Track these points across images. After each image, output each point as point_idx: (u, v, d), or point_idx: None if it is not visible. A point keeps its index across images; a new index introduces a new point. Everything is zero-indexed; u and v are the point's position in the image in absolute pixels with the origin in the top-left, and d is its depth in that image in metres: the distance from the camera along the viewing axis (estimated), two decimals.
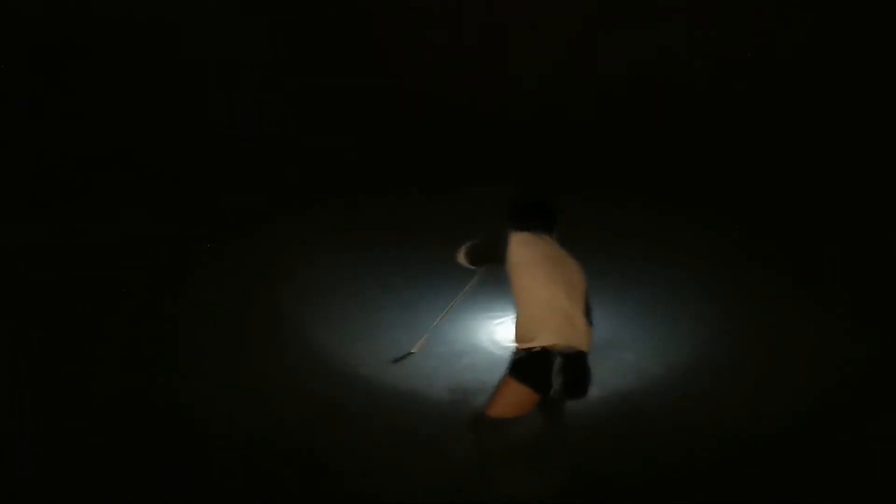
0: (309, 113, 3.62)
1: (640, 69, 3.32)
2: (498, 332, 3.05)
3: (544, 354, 2.25)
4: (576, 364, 2.29)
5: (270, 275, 3.09)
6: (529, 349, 2.28)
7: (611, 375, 2.51)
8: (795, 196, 3.49)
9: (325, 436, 2.22)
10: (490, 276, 2.62)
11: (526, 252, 2.34)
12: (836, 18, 3.06)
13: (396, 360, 2.61)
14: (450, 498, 1.94)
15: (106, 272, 2.88)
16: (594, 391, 2.35)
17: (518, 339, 2.32)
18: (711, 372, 2.69)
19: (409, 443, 2.23)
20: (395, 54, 3.50)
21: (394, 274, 3.29)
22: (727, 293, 3.16)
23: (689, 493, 1.96)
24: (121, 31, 3.44)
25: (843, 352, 2.67)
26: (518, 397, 2.30)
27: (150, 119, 3.50)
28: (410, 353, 2.64)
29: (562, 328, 2.26)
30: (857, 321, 2.86)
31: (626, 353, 2.70)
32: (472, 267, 2.59)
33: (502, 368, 2.56)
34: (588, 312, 2.38)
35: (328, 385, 2.55)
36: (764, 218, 3.48)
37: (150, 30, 3.47)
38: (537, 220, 2.53)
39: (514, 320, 2.36)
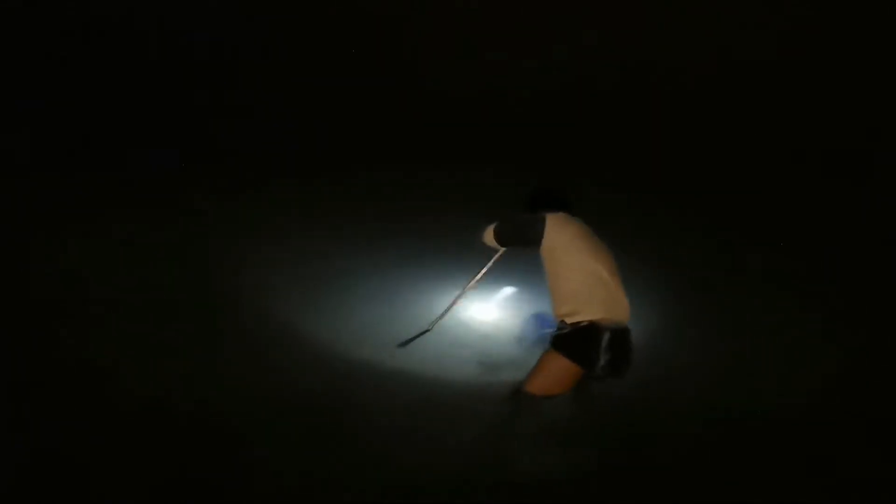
0: (304, 107, 3.64)
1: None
2: (472, 308, 3.09)
3: (592, 329, 2.27)
4: (622, 340, 2.32)
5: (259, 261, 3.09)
6: (576, 324, 2.30)
7: None
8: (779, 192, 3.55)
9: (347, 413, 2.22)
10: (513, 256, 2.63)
11: (566, 231, 2.36)
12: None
13: (404, 344, 2.56)
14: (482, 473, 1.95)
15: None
16: None
17: (563, 314, 2.33)
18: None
19: (432, 420, 2.23)
20: (395, 54, 3.54)
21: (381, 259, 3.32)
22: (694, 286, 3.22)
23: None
24: (118, 29, 3.43)
25: (819, 348, 2.73)
26: (562, 373, 2.31)
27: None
28: (425, 332, 2.60)
29: (608, 302, 2.30)
30: (837, 317, 2.92)
31: None
32: (500, 247, 2.58)
33: (487, 343, 2.57)
34: None
35: (338, 370, 2.55)
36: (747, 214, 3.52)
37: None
38: (557, 205, 2.56)
39: (555, 297, 2.38)
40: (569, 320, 2.32)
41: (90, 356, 2.32)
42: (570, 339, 2.30)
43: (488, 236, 2.57)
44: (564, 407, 2.34)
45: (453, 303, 2.68)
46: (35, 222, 2.93)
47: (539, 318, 3.04)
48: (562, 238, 2.34)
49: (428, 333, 2.64)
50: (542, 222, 2.36)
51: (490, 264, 2.69)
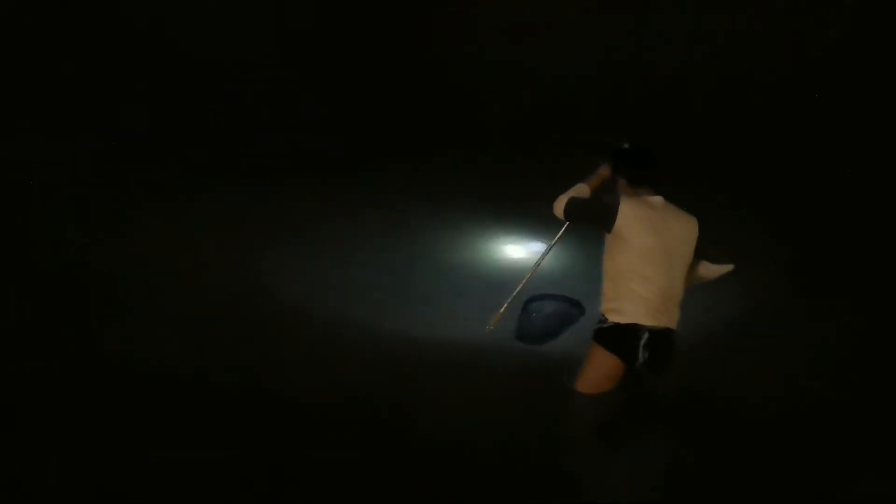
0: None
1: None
2: None
3: (631, 328, 2.24)
4: (663, 340, 2.27)
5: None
6: (618, 322, 2.25)
7: None
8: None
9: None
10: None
11: (635, 226, 2.26)
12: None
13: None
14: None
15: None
16: None
17: (609, 309, 2.27)
18: None
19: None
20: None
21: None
22: None
23: None
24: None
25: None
26: (607, 367, 2.28)
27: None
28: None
29: (656, 311, 2.25)
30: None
31: None
32: (567, 221, 2.49)
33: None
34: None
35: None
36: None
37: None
38: (648, 172, 2.45)
39: (606, 287, 2.32)
40: (611, 317, 2.30)
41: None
42: (610, 334, 2.29)
43: (559, 207, 2.47)
44: (619, 406, 2.28)
45: (522, 285, 2.67)
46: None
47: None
48: (628, 232, 2.26)
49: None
50: (615, 210, 2.26)
51: (553, 243, 2.65)
